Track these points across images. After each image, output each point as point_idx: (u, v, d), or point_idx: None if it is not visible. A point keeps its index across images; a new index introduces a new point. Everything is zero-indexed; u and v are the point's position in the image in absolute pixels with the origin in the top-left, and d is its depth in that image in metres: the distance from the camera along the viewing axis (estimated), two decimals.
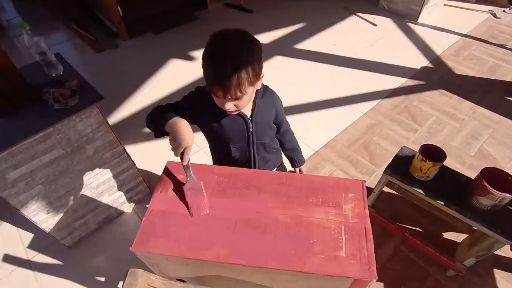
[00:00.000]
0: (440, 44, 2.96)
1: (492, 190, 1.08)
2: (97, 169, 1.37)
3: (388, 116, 2.26)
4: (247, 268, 0.68)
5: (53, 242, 1.56)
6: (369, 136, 2.11)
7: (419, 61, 2.77)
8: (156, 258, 0.73)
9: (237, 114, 0.91)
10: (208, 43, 0.77)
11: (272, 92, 1.00)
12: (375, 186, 1.48)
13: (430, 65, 2.72)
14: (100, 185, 1.44)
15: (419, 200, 1.52)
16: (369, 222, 0.73)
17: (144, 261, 0.77)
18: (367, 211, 0.75)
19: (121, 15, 2.91)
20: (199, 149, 2.00)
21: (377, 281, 1.38)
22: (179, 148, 0.76)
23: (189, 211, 0.76)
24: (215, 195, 0.79)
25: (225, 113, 0.88)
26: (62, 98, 1.06)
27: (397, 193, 1.65)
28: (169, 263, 0.74)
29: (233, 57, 0.73)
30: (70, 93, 1.10)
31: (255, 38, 0.79)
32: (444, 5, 3.52)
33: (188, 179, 0.80)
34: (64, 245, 1.54)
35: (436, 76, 2.61)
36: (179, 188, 0.80)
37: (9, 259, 1.55)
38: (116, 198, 1.58)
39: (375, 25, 3.24)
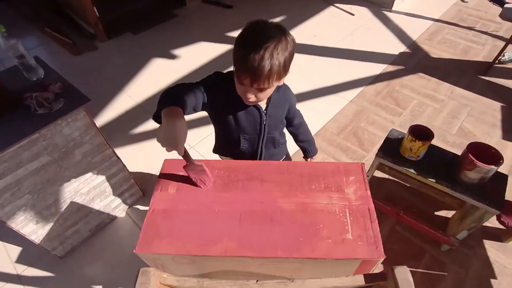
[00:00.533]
0: (414, 29, 3.05)
1: (478, 163, 1.13)
2: (87, 174, 1.32)
3: (373, 102, 2.31)
4: (256, 259, 0.67)
5: (44, 254, 1.49)
6: (357, 122, 2.16)
7: (397, 47, 2.84)
8: (162, 258, 0.71)
9: (253, 106, 0.91)
10: (246, 29, 0.75)
11: (287, 88, 1.00)
12: (368, 170, 1.52)
13: (407, 50, 2.81)
14: (90, 190, 1.39)
15: (409, 180, 1.57)
16: (372, 203, 0.74)
17: (148, 262, 0.75)
18: (369, 192, 0.76)
19: (98, 15, 2.79)
20: (189, 147, 1.97)
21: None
22: (169, 150, 0.71)
23: (196, 185, 0.77)
24: (217, 189, 0.78)
25: (242, 104, 0.87)
26: (46, 102, 1.01)
27: (387, 176, 1.70)
28: (175, 262, 0.73)
29: (271, 48, 0.72)
30: (54, 97, 1.04)
31: (292, 36, 0.78)
32: None
33: (187, 163, 0.77)
34: (56, 255, 1.48)
35: (414, 60, 2.69)
36: (181, 178, 0.80)
37: None
38: (108, 203, 1.53)
39: (352, 14, 3.29)
